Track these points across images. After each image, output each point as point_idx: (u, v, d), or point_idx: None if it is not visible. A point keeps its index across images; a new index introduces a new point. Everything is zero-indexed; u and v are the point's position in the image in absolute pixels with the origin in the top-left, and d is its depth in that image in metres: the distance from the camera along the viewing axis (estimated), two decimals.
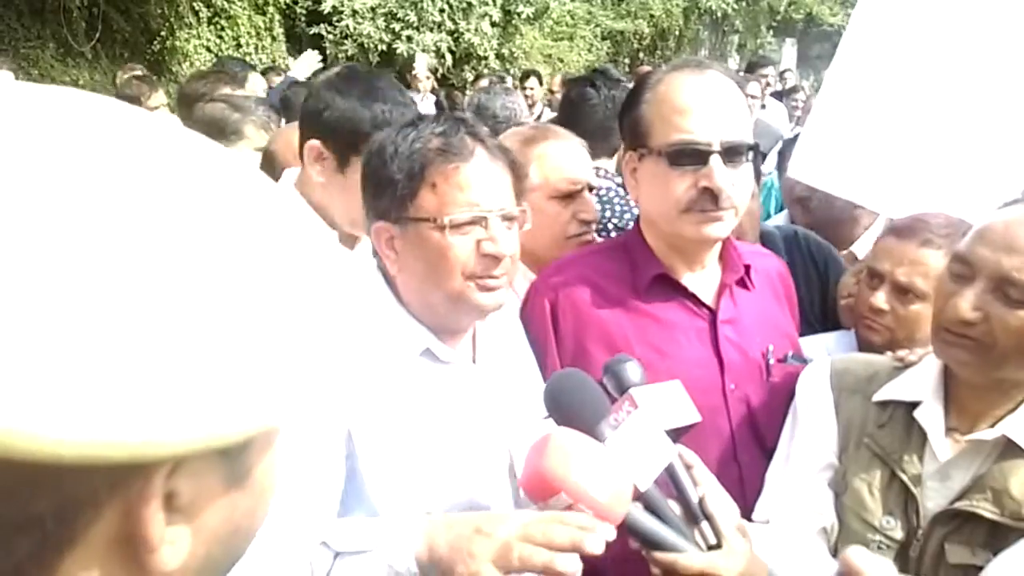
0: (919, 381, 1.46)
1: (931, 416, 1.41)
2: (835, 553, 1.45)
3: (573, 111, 3.09)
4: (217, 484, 0.50)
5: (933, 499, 1.38)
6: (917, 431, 1.42)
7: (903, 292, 1.77)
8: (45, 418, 0.39)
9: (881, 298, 1.79)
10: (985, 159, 2.01)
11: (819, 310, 2.31)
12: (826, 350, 2.00)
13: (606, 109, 3.07)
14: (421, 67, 7.89)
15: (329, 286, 0.53)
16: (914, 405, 1.44)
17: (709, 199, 1.50)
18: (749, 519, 1.38)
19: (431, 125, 1.34)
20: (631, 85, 3.30)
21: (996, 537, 1.31)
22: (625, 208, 2.80)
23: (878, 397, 1.47)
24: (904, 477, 1.40)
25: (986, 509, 1.31)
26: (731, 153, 1.51)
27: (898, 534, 1.39)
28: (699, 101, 1.53)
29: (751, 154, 1.56)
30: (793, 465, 1.52)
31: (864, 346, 1.88)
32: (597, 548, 1.03)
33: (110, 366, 0.41)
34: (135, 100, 4.71)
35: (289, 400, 0.49)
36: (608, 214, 2.85)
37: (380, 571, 1.13)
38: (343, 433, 1.25)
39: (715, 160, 1.49)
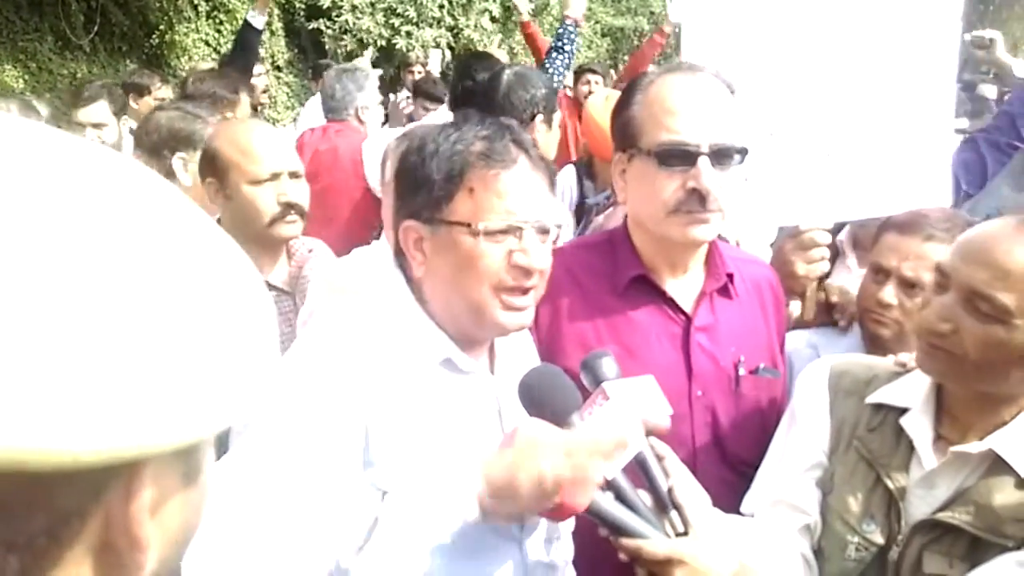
0: (912, 388, 1.47)
1: (918, 425, 1.42)
2: (817, 552, 1.47)
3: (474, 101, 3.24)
4: (177, 484, 0.52)
5: (917, 506, 1.39)
6: (906, 438, 1.43)
7: (910, 286, 1.81)
8: (59, 432, 0.42)
9: (889, 292, 1.83)
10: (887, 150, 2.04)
11: None
12: (807, 343, 2.02)
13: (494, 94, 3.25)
14: (435, 64, 7.86)
15: (266, 303, 0.57)
16: (904, 411, 1.45)
17: (696, 200, 1.52)
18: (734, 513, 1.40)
19: (475, 128, 1.30)
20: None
21: (976, 551, 1.32)
22: None
23: (870, 399, 1.49)
24: (889, 484, 1.41)
25: (967, 523, 1.32)
26: (720, 155, 1.52)
27: (878, 538, 1.40)
28: (689, 102, 1.54)
29: (740, 157, 1.56)
30: (785, 461, 1.54)
31: (871, 340, 1.90)
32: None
33: (102, 382, 0.44)
34: (144, 89, 4.68)
35: (243, 403, 0.52)
36: None
37: (435, 512, 1.11)
38: (361, 432, 1.21)
39: (703, 162, 1.50)
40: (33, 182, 0.46)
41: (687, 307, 1.64)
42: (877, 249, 1.92)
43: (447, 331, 1.32)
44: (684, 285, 1.66)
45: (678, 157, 1.52)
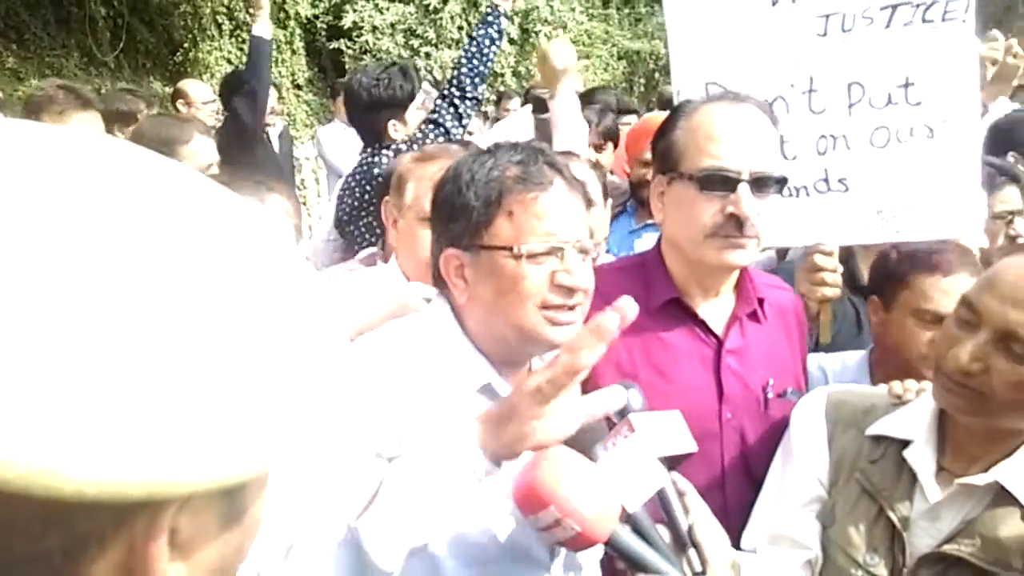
0: (913, 420, 1.46)
1: (921, 457, 1.41)
2: None
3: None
4: (214, 523, 0.51)
5: (921, 539, 1.38)
6: (908, 470, 1.42)
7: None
8: (69, 457, 0.40)
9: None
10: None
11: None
12: (817, 366, 2.03)
13: (358, 104, 3.22)
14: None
15: (328, 330, 0.54)
16: (906, 443, 1.44)
17: (734, 225, 1.55)
18: (733, 547, 1.40)
19: (508, 153, 1.32)
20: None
21: None
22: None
23: (871, 431, 1.48)
24: (892, 516, 1.40)
25: (973, 555, 1.31)
26: (759, 183, 1.56)
27: (882, 571, 1.39)
28: (732, 130, 1.58)
29: (779, 186, 1.61)
30: (783, 495, 1.54)
31: (886, 374, 1.88)
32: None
33: (128, 408, 0.42)
34: (131, 117, 4.33)
35: (290, 444, 0.50)
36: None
37: (442, 474, 1.09)
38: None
39: (743, 188, 1.54)
40: (86, 188, 0.46)
41: (718, 330, 1.67)
42: (920, 295, 1.89)
43: (489, 356, 1.33)
44: (715, 308, 1.69)
45: (719, 182, 1.56)
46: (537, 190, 1.27)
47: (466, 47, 3.25)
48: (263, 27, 4.58)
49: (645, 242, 3.45)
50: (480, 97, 3.25)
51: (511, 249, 1.26)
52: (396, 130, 3.20)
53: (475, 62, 3.17)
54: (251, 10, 4.64)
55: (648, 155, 3.51)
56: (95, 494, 0.41)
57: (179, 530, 0.49)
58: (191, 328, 0.45)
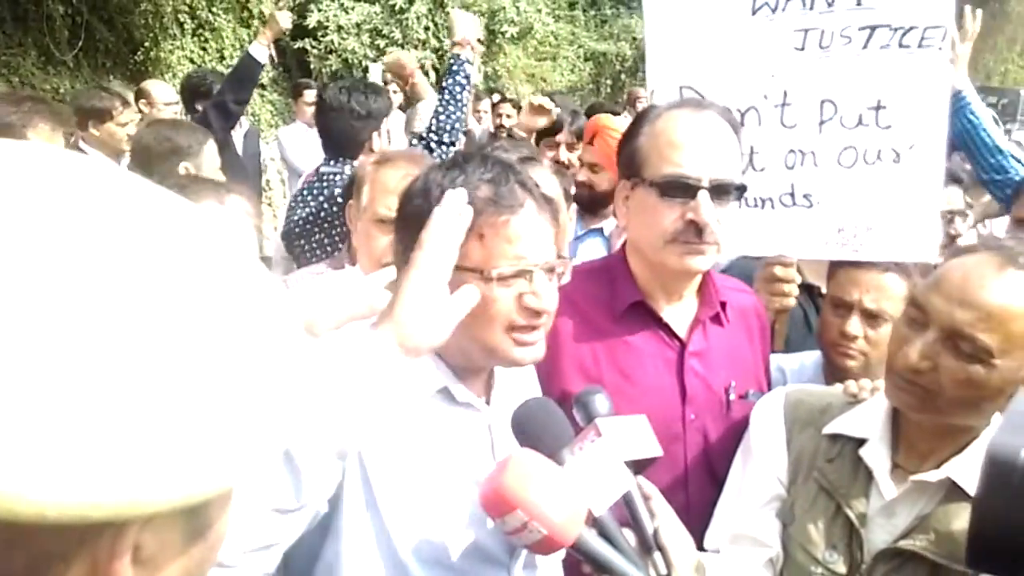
0: (868, 418, 1.49)
1: (877, 455, 1.44)
2: None
3: (323, 117, 3.37)
4: (178, 539, 0.52)
5: (878, 535, 1.41)
6: (864, 467, 1.45)
7: (873, 317, 1.89)
8: (28, 480, 0.41)
9: (855, 324, 1.91)
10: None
11: None
12: (776, 367, 2.08)
13: (351, 116, 3.24)
14: (376, 78, 7.56)
15: (289, 342, 0.55)
16: (862, 442, 1.47)
17: (694, 232, 1.58)
18: (696, 547, 1.42)
19: (479, 170, 1.30)
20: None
21: None
22: None
23: (827, 430, 1.51)
24: (850, 513, 1.43)
25: (927, 550, 1.34)
26: (719, 190, 1.59)
27: (841, 568, 1.42)
28: (693, 138, 1.61)
29: (738, 193, 1.65)
30: (744, 495, 1.56)
31: (838, 372, 1.96)
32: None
33: (88, 430, 0.42)
34: (105, 114, 4.21)
35: (251, 462, 0.50)
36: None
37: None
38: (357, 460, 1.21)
39: (703, 195, 1.57)
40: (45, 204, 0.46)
41: (681, 333, 1.69)
42: (835, 284, 2.00)
43: (450, 363, 1.34)
44: (679, 311, 1.70)
45: (679, 189, 1.57)
46: (508, 213, 1.26)
47: (440, 97, 3.35)
48: (262, 51, 4.54)
49: (588, 247, 3.40)
50: (457, 142, 3.33)
51: (481, 272, 1.25)
52: (378, 140, 3.29)
53: (451, 109, 3.29)
54: (266, 30, 4.62)
55: (590, 156, 3.38)
56: (56, 516, 0.42)
57: (143, 547, 0.49)
58: (150, 347, 0.45)
